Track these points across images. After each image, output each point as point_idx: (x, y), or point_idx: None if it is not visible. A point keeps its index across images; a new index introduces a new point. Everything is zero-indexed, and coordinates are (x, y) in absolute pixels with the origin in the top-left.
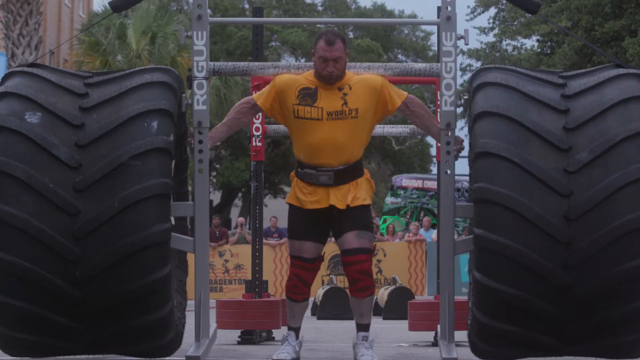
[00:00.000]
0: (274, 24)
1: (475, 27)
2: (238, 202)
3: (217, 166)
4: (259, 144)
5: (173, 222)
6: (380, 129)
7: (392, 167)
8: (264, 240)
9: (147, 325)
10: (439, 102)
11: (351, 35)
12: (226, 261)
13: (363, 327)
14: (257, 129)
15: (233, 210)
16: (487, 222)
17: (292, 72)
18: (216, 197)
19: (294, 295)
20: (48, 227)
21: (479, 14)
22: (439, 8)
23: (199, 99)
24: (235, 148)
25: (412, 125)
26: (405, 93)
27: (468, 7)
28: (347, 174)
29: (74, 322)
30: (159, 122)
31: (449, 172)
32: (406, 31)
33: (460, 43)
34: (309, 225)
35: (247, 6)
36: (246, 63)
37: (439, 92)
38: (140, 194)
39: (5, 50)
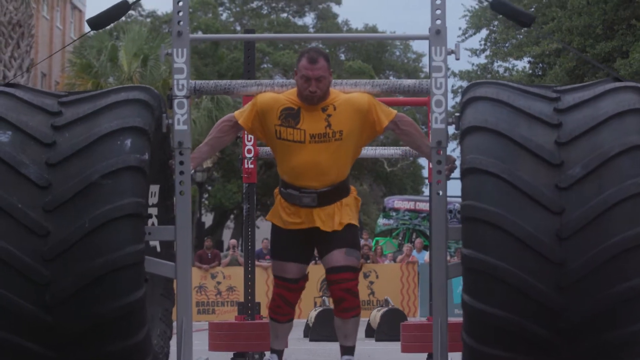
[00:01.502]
0: (257, 40)
1: (466, 49)
2: (230, 224)
3: (209, 188)
4: (251, 166)
5: (159, 249)
6: (372, 151)
7: (384, 188)
8: (257, 262)
9: (122, 352)
10: (430, 120)
11: (343, 57)
12: (218, 283)
13: (347, 350)
14: (249, 151)
15: (225, 232)
16: (474, 241)
17: (275, 90)
18: (208, 219)
19: (277, 316)
20: (16, 249)
21: (471, 35)
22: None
23: (180, 118)
24: (227, 170)
25: (405, 147)
26: (394, 112)
27: (460, 28)
28: (331, 195)
29: (46, 348)
30: (133, 140)
31: (440, 193)
32: (398, 52)
33: (452, 63)
34: (291, 245)
35: (238, 28)
36: (228, 81)
37: (430, 111)
38: (111, 214)
39: None
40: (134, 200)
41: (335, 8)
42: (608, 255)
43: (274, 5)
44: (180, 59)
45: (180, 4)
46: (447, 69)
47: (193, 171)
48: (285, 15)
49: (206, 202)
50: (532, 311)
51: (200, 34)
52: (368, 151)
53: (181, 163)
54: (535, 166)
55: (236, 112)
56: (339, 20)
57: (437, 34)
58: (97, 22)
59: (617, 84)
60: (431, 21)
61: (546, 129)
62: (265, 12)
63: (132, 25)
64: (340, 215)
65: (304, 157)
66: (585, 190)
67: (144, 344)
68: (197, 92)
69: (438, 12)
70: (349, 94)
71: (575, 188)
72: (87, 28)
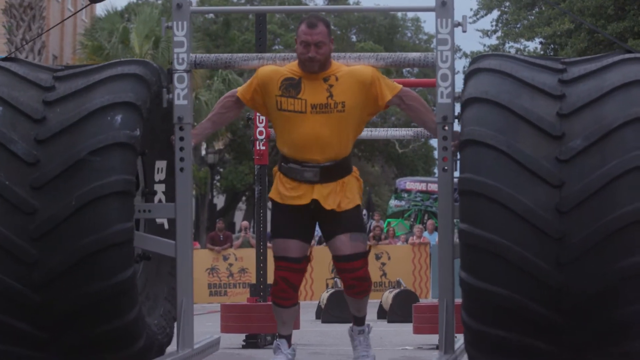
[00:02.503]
0: (263, 12)
1: (478, 30)
2: (242, 205)
3: (221, 170)
4: (263, 148)
5: (166, 226)
6: (384, 132)
7: (395, 170)
8: (268, 244)
9: (112, 332)
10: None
11: (354, 38)
12: (230, 265)
13: (359, 321)
14: (260, 133)
15: (237, 214)
16: (472, 215)
17: (277, 63)
18: (220, 200)
19: (281, 300)
20: (3, 227)
21: (482, 16)
22: None
23: (180, 93)
24: (239, 152)
25: (417, 128)
26: (399, 86)
27: (471, 9)
28: (334, 170)
29: (36, 329)
30: (124, 115)
31: (446, 169)
32: (409, 34)
33: (464, 43)
34: (292, 222)
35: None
36: (229, 55)
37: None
38: (98, 192)
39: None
40: (122, 177)
41: None
42: (610, 230)
43: None
44: (180, 32)
45: None
46: (454, 42)
47: (194, 146)
48: None
49: (218, 184)
50: (531, 289)
51: (204, 8)
52: (380, 132)
53: (181, 139)
54: (536, 138)
55: (239, 88)
56: (351, 1)
57: (442, 5)
58: None
59: (626, 56)
60: None
61: (549, 100)
62: None
63: (144, 7)
64: (343, 193)
65: (306, 128)
66: (587, 163)
67: (135, 324)
68: (197, 65)
69: None
70: (352, 65)
71: (576, 160)
72: (98, 11)
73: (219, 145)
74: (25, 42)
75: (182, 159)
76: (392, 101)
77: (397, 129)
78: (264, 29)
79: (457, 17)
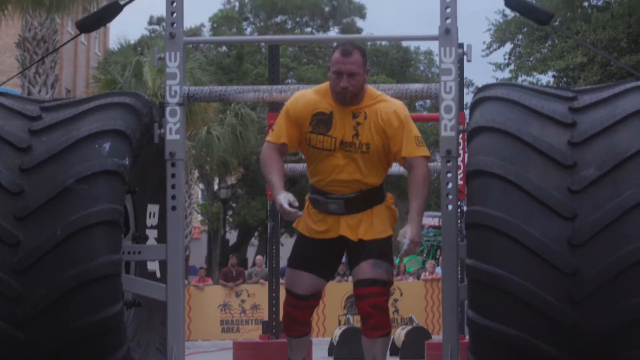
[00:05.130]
0: (269, 42)
1: (490, 63)
2: (254, 241)
3: (234, 205)
4: None
5: (159, 274)
6: (396, 167)
7: (407, 205)
8: (281, 280)
9: None
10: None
11: None
12: (243, 301)
13: None
14: None
15: (249, 250)
16: (479, 250)
17: (274, 97)
18: (232, 236)
19: (290, 331)
20: None
21: (495, 49)
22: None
23: (172, 127)
24: (252, 187)
25: (430, 163)
26: (422, 151)
27: (484, 42)
28: (360, 201)
29: None
30: (112, 143)
31: (450, 207)
32: (422, 67)
33: (474, 76)
34: (312, 254)
35: (262, 44)
36: (224, 87)
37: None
38: (84, 221)
39: (22, 89)
40: (109, 206)
41: (359, 22)
42: (625, 264)
43: (297, 20)
44: (173, 63)
45: (175, 4)
46: (458, 72)
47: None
48: (309, 29)
49: (230, 219)
50: (542, 327)
51: (198, 38)
52: (393, 168)
53: (173, 176)
54: (546, 168)
55: (270, 136)
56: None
57: (446, 34)
58: (87, 24)
59: (639, 83)
60: (440, 20)
61: (559, 128)
62: (289, 26)
63: (157, 40)
64: (370, 223)
65: (332, 162)
66: (600, 193)
67: None
68: (191, 98)
69: (448, 10)
70: (384, 101)
71: (589, 191)
72: (111, 44)
73: (231, 180)
74: (39, 76)
75: (173, 197)
76: (403, 159)
77: None
78: (277, 62)
79: (468, 45)
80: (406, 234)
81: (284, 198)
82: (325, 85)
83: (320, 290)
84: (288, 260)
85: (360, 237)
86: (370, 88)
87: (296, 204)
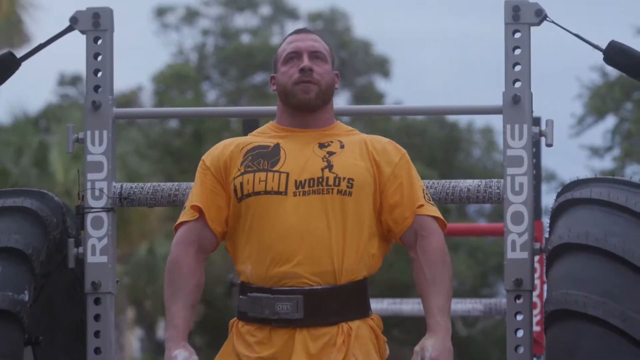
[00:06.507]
0: (229, 116)
1: (583, 147)
2: None
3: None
4: None
5: None
6: None
7: (459, 359)
8: None
9: None
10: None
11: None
12: None
13: None
14: None
15: None
16: None
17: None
18: None
19: None
20: None
21: (590, 125)
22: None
23: (96, 245)
24: (216, 334)
25: (488, 300)
26: (436, 212)
27: (572, 115)
28: (331, 301)
29: None
30: (3, 269)
31: (522, 350)
32: (478, 154)
33: (553, 163)
34: None
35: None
36: (173, 184)
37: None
38: None
39: None
40: None
41: (381, 83)
42: None
43: None
44: (97, 147)
45: (100, 57)
46: (534, 162)
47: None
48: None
49: None
50: None
51: (135, 110)
52: None
53: (96, 318)
54: None
55: (183, 215)
56: (387, 101)
57: (514, 104)
58: None
59: None
60: (505, 82)
61: None
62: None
63: (71, 110)
64: (348, 352)
65: (285, 219)
66: None
67: None
68: (124, 201)
69: (517, 68)
70: (365, 134)
71: None
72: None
73: None
74: None
75: (97, 350)
76: (405, 227)
77: (460, 299)
78: None
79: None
80: (425, 351)
81: (181, 356)
82: (264, 126)
83: None
84: None
85: None
86: (340, 123)
87: None
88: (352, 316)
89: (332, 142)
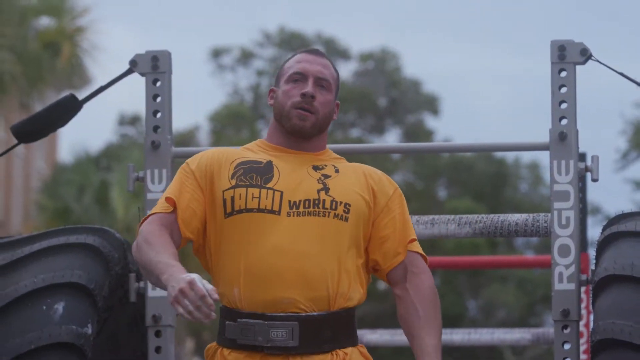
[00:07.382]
0: None
1: (628, 181)
2: None
3: None
4: None
5: None
6: (488, 335)
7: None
8: None
9: None
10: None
11: (443, 194)
12: None
13: None
14: None
15: None
16: None
17: None
18: None
19: None
20: None
21: (633, 160)
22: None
23: None
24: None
25: (535, 329)
26: (420, 249)
27: (616, 151)
28: (326, 329)
29: None
30: (67, 303)
31: None
32: (525, 188)
33: (598, 197)
34: None
35: None
36: None
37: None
38: None
39: None
40: None
41: (430, 120)
42: None
43: (339, 116)
44: (157, 186)
45: (159, 99)
46: (579, 196)
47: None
48: (356, 132)
49: None
50: None
51: (194, 149)
52: (482, 335)
53: (157, 350)
54: None
55: (156, 207)
56: (437, 138)
57: (561, 140)
58: (28, 131)
59: None
60: (552, 120)
61: None
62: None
63: (131, 149)
64: None
65: (277, 239)
66: None
67: None
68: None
69: (564, 106)
70: (356, 163)
71: None
72: (63, 154)
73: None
74: None
75: None
76: (396, 262)
77: (508, 329)
78: None
79: (594, 156)
80: None
81: (196, 276)
82: (250, 143)
83: None
84: None
85: None
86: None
87: (215, 295)
88: (345, 343)
89: (326, 165)
